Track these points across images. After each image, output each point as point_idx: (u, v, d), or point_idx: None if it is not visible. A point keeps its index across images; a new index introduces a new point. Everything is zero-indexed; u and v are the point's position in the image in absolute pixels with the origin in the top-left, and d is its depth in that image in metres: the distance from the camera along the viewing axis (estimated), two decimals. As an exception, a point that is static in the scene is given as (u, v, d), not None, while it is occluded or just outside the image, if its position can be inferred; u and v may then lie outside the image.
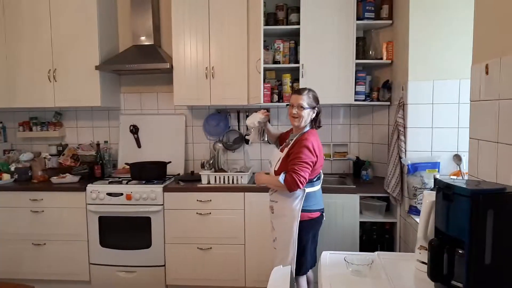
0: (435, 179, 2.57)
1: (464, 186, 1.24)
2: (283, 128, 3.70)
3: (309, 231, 2.55)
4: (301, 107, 2.49)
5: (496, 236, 1.17)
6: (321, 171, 2.63)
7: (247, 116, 3.72)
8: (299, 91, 2.56)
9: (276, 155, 2.66)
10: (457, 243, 1.26)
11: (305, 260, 2.55)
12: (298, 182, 2.37)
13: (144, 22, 3.66)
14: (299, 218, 2.48)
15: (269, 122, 2.91)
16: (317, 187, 2.59)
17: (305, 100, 2.50)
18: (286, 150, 2.55)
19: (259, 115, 2.77)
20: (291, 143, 2.54)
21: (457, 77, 2.71)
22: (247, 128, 3.76)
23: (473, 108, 1.84)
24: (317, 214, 2.57)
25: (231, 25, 3.38)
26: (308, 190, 2.50)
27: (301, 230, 2.49)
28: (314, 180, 2.55)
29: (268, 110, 3.56)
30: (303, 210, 2.48)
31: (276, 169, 2.55)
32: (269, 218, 2.70)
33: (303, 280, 2.62)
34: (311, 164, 2.42)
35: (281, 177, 2.40)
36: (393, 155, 2.94)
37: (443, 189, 1.30)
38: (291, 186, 2.38)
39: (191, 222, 3.22)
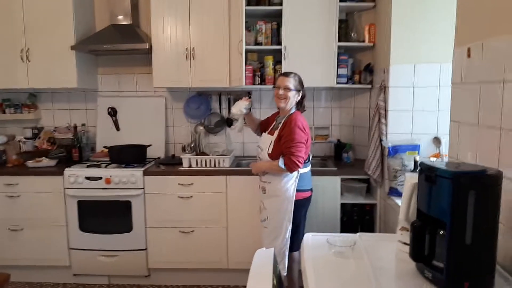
0: (416, 162, 2.62)
1: (446, 168, 1.26)
2: (266, 111, 3.72)
3: (302, 209, 2.70)
4: (288, 89, 2.58)
5: (476, 217, 1.19)
6: (310, 152, 2.71)
7: (229, 99, 3.72)
8: (285, 74, 2.67)
9: (266, 139, 2.72)
10: (438, 224, 1.27)
11: (298, 237, 2.67)
12: (298, 163, 2.49)
13: (122, 1, 3.52)
14: (294, 198, 2.59)
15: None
16: (308, 168, 2.72)
17: (291, 82, 2.60)
18: (276, 132, 2.63)
19: (244, 103, 2.81)
20: (280, 125, 2.63)
21: (438, 61, 2.73)
22: (228, 112, 3.73)
23: (454, 91, 1.86)
24: (308, 193, 2.73)
25: (212, 4, 3.30)
26: (301, 171, 2.61)
27: (295, 209, 2.61)
28: (306, 161, 2.67)
29: (250, 95, 3.56)
30: (297, 190, 2.61)
31: (270, 152, 2.63)
32: (260, 198, 2.76)
33: (295, 255, 2.75)
34: (304, 142, 2.55)
35: (281, 162, 2.51)
36: (374, 137, 2.97)
37: (425, 171, 1.31)
38: (292, 168, 2.51)
39: (173, 206, 3.20)
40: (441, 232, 1.27)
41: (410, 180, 1.47)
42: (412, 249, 1.34)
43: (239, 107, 2.80)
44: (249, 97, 2.87)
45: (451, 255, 1.22)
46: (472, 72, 1.68)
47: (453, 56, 1.85)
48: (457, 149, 1.83)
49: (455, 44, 1.84)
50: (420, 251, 1.32)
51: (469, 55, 1.70)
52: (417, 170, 2.54)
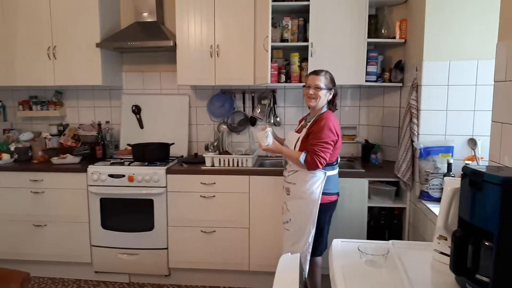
0: (449, 164, 2.48)
1: (495, 173, 1.14)
2: (291, 110, 3.63)
3: (327, 213, 2.61)
4: (318, 88, 2.50)
5: (528, 228, 1.07)
6: (338, 154, 2.62)
7: (253, 98, 3.64)
8: (316, 72, 2.57)
9: (293, 137, 2.64)
10: (483, 235, 1.16)
11: (322, 242, 2.63)
12: (318, 164, 2.41)
13: (147, -2, 3.50)
14: (319, 201, 2.50)
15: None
16: (336, 171, 2.63)
17: (322, 81, 2.51)
18: (304, 130, 2.55)
19: (263, 134, 2.55)
20: (309, 123, 2.54)
21: (475, 58, 2.57)
22: (252, 111, 3.66)
23: (497, 89, 1.72)
24: (335, 197, 2.63)
25: (237, 0, 3.23)
26: (328, 173, 2.53)
27: (320, 212, 2.52)
28: (334, 163, 2.59)
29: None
30: (323, 193, 2.52)
31: (297, 150, 2.55)
32: (283, 199, 2.69)
33: (318, 260, 2.69)
34: (331, 143, 2.45)
35: (302, 157, 2.43)
36: (405, 138, 2.83)
37: (469, 175, 1.20)
38: (311, 166, 2.43)
39: (195, 205, 3.15)
40: (487, 244, 1.15)
41: (450, 184, 1.36)
42: (453, 261, 1.23)
43: (263, 140, 2.53)
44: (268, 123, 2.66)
45: (498, 269, 1.11)
46: (518, 68, 1.55)
47: (496, 50, 1.71)
48: (499, 152, 1.70)
49: (498, 38, 1.70)
50: (461, 263, 1.21)
51: (515, 50, 1.57)
52: (451, 173, 2.45)
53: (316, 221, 2.51)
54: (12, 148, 3.55)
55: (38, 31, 3.45)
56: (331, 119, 2.48)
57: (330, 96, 2.57)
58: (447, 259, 1.31)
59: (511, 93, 1.60)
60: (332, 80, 2.56)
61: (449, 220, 1.39)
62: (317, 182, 2.50)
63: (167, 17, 3.67)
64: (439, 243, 1.44)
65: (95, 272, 3.37)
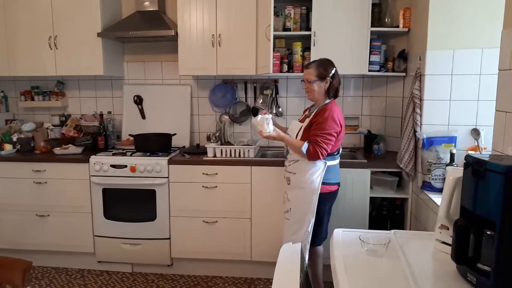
0: (452, 154, 2.46)
1: (498, 162, 1.12)
2: (293, 100, 3.61)
3: (327, 203, 2.61)
4: (309, 81, 2.51)
5: (531, 217, 1.06)
6: (340, 144, 2.62)
7: (255, 88, 3.62)
8: (306, 66, 2.60)
9: (295, 126, 2.64)
10: (485, 224, 1.15)
11: (321, 231, 2.65)
12: (320, 155, 2.41)
13: (148, -14, 3.48)
14: (319, 191, 2.49)
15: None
16: (337, 161, 2.62)
17: (312, 73, 2.51)
18: (307, 120, 2.54)
19: (260, 120, 2.48)
20: (313, 114, 2.53)
21: (479, 46, 2.55)
22: (254, 101, 3.64)
23: (502, 77, 1.70)
24: (335, 187, 2.62)
25: (239, -11, 3.20)
26: (329, 163, 2.52)
27: (320, 202, 2.52)
28: (335, 153, 2.58)
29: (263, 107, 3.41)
30: (323, 183, 2.51)
31: (298, 139, 2.55)
32: (284, 189, 2.69)
33: (319, 249, 2.71)
34: (334, 135, 2.45)
35: (304, 147, 2.42)
36: (408, 128, 2.81)
37: (472, 164, 1.19)
38: (312, 157, 2.43)
39: (197, 195, 3.15)
40: (489, 233, 1.14)
41: (452, 174, 1.35)
42: (454, 250, 1.23)
43: (264, 127, 2.46)
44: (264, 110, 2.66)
45: (500, 258, 1.10)
46: (523, 56, 1.53)
47: (501, 38, 1.69)
48: (502, 142, 1.68)
49: (504, 25, 1.68)
50: (463, 253, 1.21)
51: (520, 38, 1.54)
52: (453, 163, 2.43)
53: (315, 210, 2.51)
54: (14, 138, 3.55)
55: (39, 20, 3.43)
56: (335, 110, 2.46)
57: (327, 85, 2.50)
58: (448, 249, 1.31)
59: (515, 81, 1.58)
60: (325, 69, 2.49)
61: (451, 210, 1.38)
62: (317, 172, 2.49)
63: (168, 6, 3.64)
64: (440, 232, 1.43)
65: (98, 262, 3.39)
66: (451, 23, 2.59)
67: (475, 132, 2.64)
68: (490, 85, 2.51)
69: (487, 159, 1.15)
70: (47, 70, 3.50)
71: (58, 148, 3.41)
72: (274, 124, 2.64)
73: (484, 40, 2.52)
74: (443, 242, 1.42)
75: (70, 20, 3.40)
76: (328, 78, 2.50)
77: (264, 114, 2.55)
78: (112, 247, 3.29)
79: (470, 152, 2.56)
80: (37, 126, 3.77)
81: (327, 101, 2.54)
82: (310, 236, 2.56)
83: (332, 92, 2.54)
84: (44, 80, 3.89)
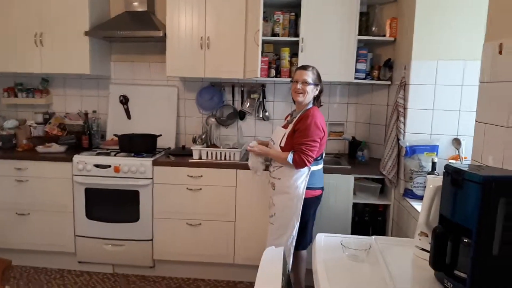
0: (434, 163, 2.52)
1: (475, 172, 1.16)
2: (280, 104, 3.64)
3: (311, 208, 2.63)
4: (306, 83, 2.51)
5: (506, 226, 1.10)
6: (324, 149, 2.64)
7: (242, 92, 3.63)
8: (304, 67, 2.58)
9: (279, 132, 2.65)
10: (462, 231, 1.18)
11: (306, 235, 2.67)
12: (306, 162, 2.43)
13: (137, -14, 3.46)
14: (303, 196, 2.52)
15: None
16: (320, 166, 2.65)
17: (310, 76, 2.52)
18: (291, 126, 2.56)
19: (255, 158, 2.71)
20: (295, 119, 2.55)
21: (462, 58, 2.61)
22: (242, 104, 3.65)
23: (482, 89, 1.75)
24: (319, 192, 2.65)
25: (229, -7, 3.21)
26: (313, 168, 2.55)
27: (304, 207, 2.54)
28: (319, 159, 2.60)
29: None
30: (307, 188, 2.53)
31: (282, 145, 2.56)
32: (269, 194, 2.70)
33: (303, 253, 2.73)
34: (318, 140, 2.48)
35: (290, 157, 2.45)
36: (391, 136, 2.86)
37: (451, 174, 1.22)
38: (299, 165, 2.45)
39: (181, 197, 3.14)
40: (466, 240, 1.18)
41: (432, 182, 1.38)
42: (432, 257, 1.26)
43: (256, 164, 2.71)
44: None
45: (475, 265, 1.13)
46: (503, 70, 1.57)
47: (482, 51, 1.74)
48: (481, 152, 1.73)
49: (485, 38, 1.73)
50: (441, 259, 1.24)
51: (500, 52, 1.59)
52: (435, 171, 2.48)
53: (300, 215, 2.53)
54: (-4, 135, 3.49)
55: (26, 17, 3.38)
56: (317, 116, 2.49)
57: (317, 92, 2.58)
58: (427, 255, 1.34)
59: (495, 94, 1.63)
60: (319, 76, 2.58)
61: (431, 217, 1.41)
62: (301, 177, 2.51)
63: (157, 7, 3.63)
64: (420, 239, 1.46)
65: (79, 262, 3.34)
66: (436, 34, 2.66)
67: (456, 142, 2.70)
68: (471, 96, 2.57)
69: (465, 169, 1.18)
70: (32, 67, 3.45)
71: (41, 146, 3.36)
72: (259, 142, 2.77)
73: (466, 52, 2.58)
74: (422, 249, 1.45)
75: (57, 18, 3.37)
76: (319, 86, 2.58)
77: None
78: (93, 248, 3.25)
79: (451, 161, 2.62)
80: (20, 123, 3.70)
81: (309, 106, 2.57)
82: (295, 241, 2.57)
83: (317, 100, 2.63)
84: (29, 77, 3.83)
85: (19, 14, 3.38)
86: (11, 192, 3.28)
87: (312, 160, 2.46)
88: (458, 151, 2.68)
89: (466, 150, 2.62)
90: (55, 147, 3.37)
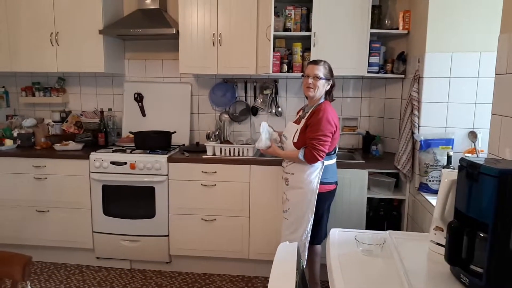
0: (449, 157, 2.49)
1: (491, 165, 1.15)
2: (292, 100, 3.63)
3: (326, 202, 2.64)
4: (317, 78, 2.50)
5: (523, 220, 1.09)
6: (337, 143, 2.64)
7: (255, 87, 3.64)
8: (315, 62, 2.56)
9: (291, 128, 2.65)
10: (478, 226, 1.17)
11: (320, 230, 2.67)
12: (318, 157, 2.43)
13: (150, -16, 3.49)
14: (317, 190, 2.52)
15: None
16: (333, 160, 2.65)
17: (321, 70, 2.51)
18: (303, 121, 2.56)
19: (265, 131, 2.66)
20: (308, 114, 2.55)
21: (477, 50, 2.57)
22: (254, 101, 3.65)
23: (498, 81, 1.72)
24: (333, 186, 2.65)
25: (240, -11, 3.21)
26: (326, 163, 2.55)
27: (318, 201, 2.54)
28: (332, 153, 2.60)
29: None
30: (321, 183, 2.54)
31: (295, 141, 2.56)
32: (282, 189, 2.71)
33: (317, 248, 2.73)
34: (330, 135, 2.47)
35: (301, 154, 2.46)
36: (406, 130, 2.83)
37: (466, 167, 1.21)
38: (311, 161, 2.46)
39: (196, 193, 3.17)
40: (482, 235, 1.17)
41: (447, 176, 1.37)
42: (448, 251, 1.25)
43: (264, 141, 2.65)
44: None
45: (492, 260, 1.12)
46: (520, 61, 1.55)
47: (498, 43, 1.71)
48: (498, 145, 1.70)
49: (501, 30, 1.70)
50: (456, 254, 1.23)
51: (517, 43, 1.56)
52: (450, 165, 2.45)
53: (314, 210, 2.54)
54: (15, 134, 3.57)
55: (41, 17, 3.44)
56: (328, 111, 2.48)
57: (328, 87, 2.57)
58: (442, 250, 1.33)
59: (511, 86, 1.60)
60: (330, 71, 2.56)
61: (446, 212, 1.40)
62: (315, 172, 2.51)
63: (170, 4, 3.66)
64: (435, 234, 1.45)
65: (97, 258, 3.41)
66: (450, 26, 2.61)
67: (472, 135, 2.66)
68: (487, 88, 2.52)
69: (481, 162, 1.17)
70: (48, 66, 3.52)
71: (58, 144, 3.43)
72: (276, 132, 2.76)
73: (482, 44, 2.54)
74: (438, 244, 1.44)
75: (71, 17, 3.42)
76: (331, 80, 2.57)
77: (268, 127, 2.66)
78: (111, 244, 3.32)
79: (467, 155, 2.59)
80: (38, 122, 3.79)
81: (321, 101, 2.57)
82: (309, 235, 2.58)
83: (329, 95, 2.61)
84: (45, 76, 3.91)
85: (34, 14, 3.45)
86: (30, 189, 3.36)
87: (324, 154, 2.46)
88: (474, 144, 2.64)
89: (483, 143, 2.58)
90: (72, 145, 3.44)
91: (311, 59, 2.98)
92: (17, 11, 3.46)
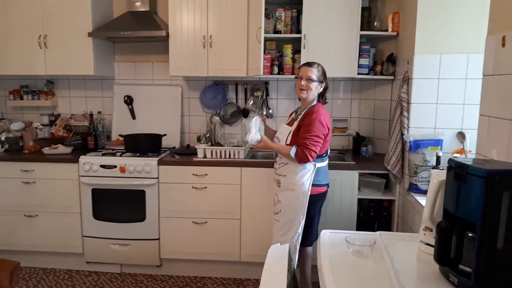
0: (438, 157, 2.51)
1: (479, 165, 1.16)
2: (283, 102, 3.64)
3: (317, 204, 2.64)
4: (310, 80, 2.51)
5: (510, 220, 1.10)
6: (329, 146, 2.65)
7: (245, 90, 3.64)
8: (309, 64, 2.57)
9: (284, 130, 2.66)
10: (467, 226, 1.18)
11: (312, 232, 2.66)
12: (309, 157, 2.43)
13: (139, -13, 3.47)
14: (309, 193, 2.52)
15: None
16: (325, 162, 2.65)
17: (314, 73, 2.52)
18: (296, 123, 2.57)
19: (255, 126, 2.61)
20: (300, 116, 2.56)
21: (465, 52, 2.60)
22: (244, 104, 3.66)
23: (486, 83, 1.74)
24: (325, 188, 2.66)
25: (230, -9, 3.21)
26: (318, 165, 2.55)
27: (310, 203, 2.55)
28: (324, 155, 2.61)
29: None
30: (312, 185, 2.54)
31: (287, 143, 2.57)
32: (274, 191, 2.71)
33: (309, 250, 2.73)
34: (322, 137, 2.47)
35: (292, 151, 2.45)
36: (395, 131, 2.85)
37: (455, 168, 1.22)
38: (302, 160, 2.45)
39: (187, 196, 3.16)
40: (470, 235, 1.18)
41: (436, 177, 1.38)
42: (437, 251, 1.26)
43: (254, 135, 2.58)
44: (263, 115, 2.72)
45: (480, 259, 1.13)
46: (506, 62, 1.56)
47: (485, 44, 1.73)
48: (486, 145, 1.72)
49: (488, 32, 1.72)
50: (445, 254, 1.24)
51: (503, 44, 1.58)
52: (439, 166, 2.48)
53: (306, 212, 2.54)
54: (2, 138, 3.51)
55: (29, 19, 3.41)
56: (321, 112, 2.49)
57: (321, 89, 2.58)
58: (432, 250, 1.34)
59: (499, 87, 1.62)
60: (323, 73, 2.57)
61: (435, 212, 1.42)
62: (307, 174, 2.51)
63: (160, 6, 3.65)
64: (424, 234, 1.47)
65: (87, 263, 3.37)
66: (439, 28, 2.64)
67: (461, 136, 2.69)
68: (475, 89, 2.54)
69: (469, 163, 1.18)
70: (36, 69, 3.48)
71: (47, 148, 3.39)
72: (266, 129, 2.75)
73: (470, 46, 2.56)
74: (427, 244, 1.45)
75: (60, 20, 3.39)
76: (324, 83, 2.58)
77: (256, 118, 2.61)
78: (101, 248, 3.28)
79: (455, 155, 2.61)
80: (26, 125, 3.74)
81: (314, 103, 2.58)
82: (300, 237, 2.58)
83: (323, 97, 2.62)
84: (34, 79, 3.87)
85: (23, 17, 3.41)
86: (18, 194, 3.31)
87: (315, 155, 2.46)
88: (463, 145, 2.67)
89: (471, 143, 2.61)
90: (61, 149, 3.40)
91: (302, 61, 2.99)
92: (5, 13, 3.42)
